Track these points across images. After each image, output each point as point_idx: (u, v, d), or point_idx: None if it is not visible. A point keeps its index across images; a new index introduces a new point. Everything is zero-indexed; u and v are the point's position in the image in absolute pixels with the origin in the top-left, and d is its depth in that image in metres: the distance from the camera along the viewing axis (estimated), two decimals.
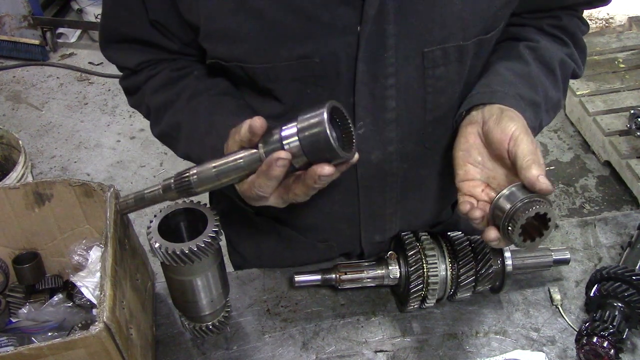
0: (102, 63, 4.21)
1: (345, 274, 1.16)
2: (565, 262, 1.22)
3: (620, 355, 1.05)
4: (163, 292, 1.24)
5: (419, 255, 1.12)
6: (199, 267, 1.01)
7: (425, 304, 1.14)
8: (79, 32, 4.48)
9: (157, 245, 0.97)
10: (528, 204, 0.84)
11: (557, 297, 1.20)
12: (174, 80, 1.07)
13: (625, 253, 1.23)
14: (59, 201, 1.18)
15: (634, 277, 1.10)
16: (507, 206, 0.86)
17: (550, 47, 1.09)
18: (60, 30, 4.40)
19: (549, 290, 1.22)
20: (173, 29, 1.02)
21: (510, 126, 0.90)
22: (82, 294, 1.16)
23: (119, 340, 0.90)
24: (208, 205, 1.04)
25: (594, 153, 3.41)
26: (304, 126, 0.80)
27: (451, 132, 1.04)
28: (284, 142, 0.81)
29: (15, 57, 4.25)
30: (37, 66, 4.23)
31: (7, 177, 2.67)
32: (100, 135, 3.70)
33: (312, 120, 0.80)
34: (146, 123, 1.14)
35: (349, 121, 0.85)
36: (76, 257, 1.23)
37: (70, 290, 1.25)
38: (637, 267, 1.17)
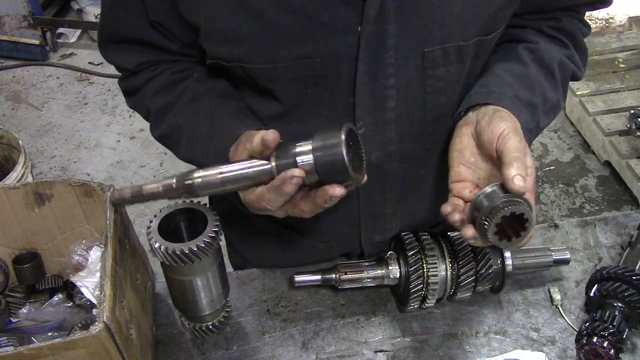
0: (102, 63, 4.20)
1: (345, 274, 1.16)
2: (565, 262, 1.22)
3: (620, 355, 1.05)
4: (163, 292, 1.24)
5: (419, 255, 1.12)
6: (199, 267, 1.01)
7: (425, 304, 1.14)
8: (79, 32, 4.48)
9: (157, 245, 0.97)
10: (505, 202, 0.84)
11: (557, 297, 1.20)
12: (175, 82, 1.07)
13: (625, 253, 1.23)
14: (59, 201, 1.18)
15: (634, 277, 1.10)
16: (485, 204, 0.87)
17: (549, 48, 1.09)
18: (60, 30, 4.40)
19: (549, 290, 1.22)
20: (173, 30, 1.02)
21: (500, 125, 0.90)
22: (82, 294, 1.16)
23: (119, 340, 0.90)
24: (208, 206, 1.04)
25: (594, 153, 3.41)
26: (320, 145, 0.81)
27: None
28: (298, 159, 0.82)
29: (15, 57, 4.24)
30: (37, 66, 4.23)
31: (7, 177, 2.67)
32: (100, 135, 3.70)
33: (329, 141, 0.81)
34: (146, 123, 1.14)
35: (361, 144, 0.86)
36: (76, 257, 1.23)
37: (70, 290, 1.25)
38: (637, 267, 1.17)
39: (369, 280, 1.16)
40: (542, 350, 1.12)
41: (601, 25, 4.34)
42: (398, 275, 1.14)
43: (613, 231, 1.34)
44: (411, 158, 1.08)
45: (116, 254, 0.99)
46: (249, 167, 0.86)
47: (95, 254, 1.20)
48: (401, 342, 1.15)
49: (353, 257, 1.29)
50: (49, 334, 1.19)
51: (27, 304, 1.24)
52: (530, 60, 1.06)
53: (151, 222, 1.00)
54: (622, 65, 3.60)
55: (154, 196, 0.93)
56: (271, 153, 0.85)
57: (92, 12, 4.30)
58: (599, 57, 3.65)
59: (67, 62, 4.28)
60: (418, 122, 1.04)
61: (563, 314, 1.18)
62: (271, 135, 0.82)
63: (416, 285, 1.11)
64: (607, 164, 3.30)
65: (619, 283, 1.11)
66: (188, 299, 1.07)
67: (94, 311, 1.19)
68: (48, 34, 4.23)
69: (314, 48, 0.92)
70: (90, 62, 4.25)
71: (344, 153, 0.80)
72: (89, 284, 1.15)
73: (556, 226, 1.36)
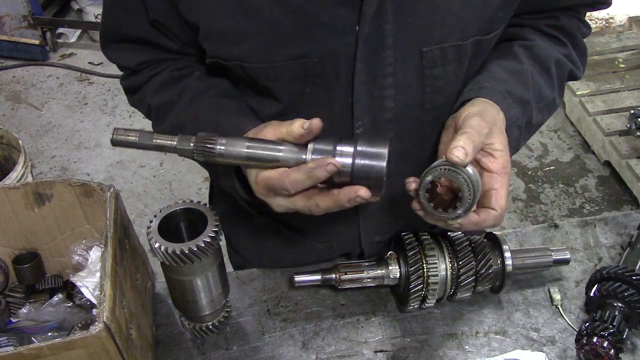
0: (102, 63, 4.21)
1: (345, 274, 1.16)
2: (565, 262, 1.22)
3: (620, 355, 1.05)
4: (163, 292, 1.24)
5: (419, 255, 1.12)
6: (199, 267, 1.01)
7: (425, 304, 1.14)
8: (79, 32, 4.48)
9: (157, 245, 0.97)
10: (434, 169, 0.86)
11: (557, 297, 1.20)
12: (175, 80, 1.07)
13: (625, 253, 1.23)
14: (59, 201, 1.18)
15: (634, 277, 1.10)
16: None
17: (546, 46, 1.09)
18: (60, 30, 4.41)
19: (549, 290, 1.22)
20: (173, 29, 1.02)
21: (468, 109, 0.93)
22: (82, 294, 1.16)
23: (119, 340, 0.90)
24: (208, 206, 1.04)
25: (594, 153, 3.41)
26: (363, 151, 0.82)
27: None
28: (337, 159, 0.82)
29: (15, 57, 4.25)
30: (37, 66, 4.23)
31: (7, 177, 2.67)
32: (100, 135, 3.70)
33: (374, 150, 0.82)
34: (146, 123, 1.14)
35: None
36: (76, 257, 1.23)
37: (70, 290, 1.25)
38: (637, 267, 1.17)
39: (369, 280, 1.16)
40: (542, 350, 1.12)
41: (601, 25, 4.34)
42: (398, 275, 1.14)
43: (613, 231, 1.34)
44: (410, 157, 1.08)
45: (116, 254, 0.99)
46: (282, 150, 0.84)
47: (95, 254, 1.20)
48: (401, 342, 1.15)
49: (353, 257, 1.29)
50: (49, 334, 1.19)
51: (27, 304, 1.24)
52: (525, 57, 1.06)
53: (151, 222, 1.00)
54: (622, 65, 3.60)
55: (163, 148, 0.87)
56: (309, 142, 0.84)
57: (92, 12, 4.30)
58: (599, 57, 3.65)
59: (67, 62, 4.28)
60: (416, 122, 1.04)
61: (563, 314, 1.18)
62: (317, 122, 0.82)
63: (416, 285, 1.11)
64: (607, 164, 3.30)
65: (619, 283, 1.11)
66: (188, 299, 1.07)
67: (94, 311, 1.19)
68: (48, 34, 4.24)
69: (312, 48, 0.93)
70: (90, 62, 4.26)
71: (385, 166, 0.81)
72: (89, 284, 1.15)
73: (556, 226, 1.36)
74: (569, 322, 1.17)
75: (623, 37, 3.82)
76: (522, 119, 1.02)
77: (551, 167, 3.39)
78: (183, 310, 1.12)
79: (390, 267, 1.14)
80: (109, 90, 4.03)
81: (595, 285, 1.14)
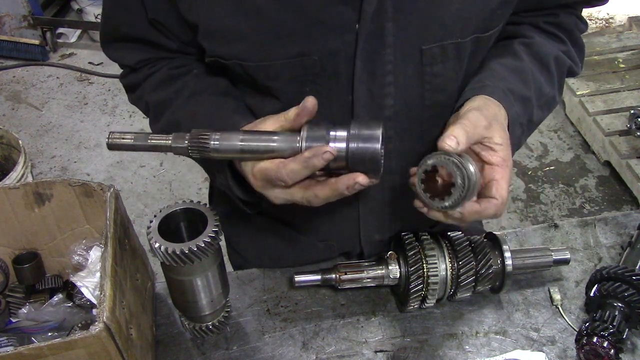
0: (102, 63, 4.21)
1: (345, 274, 1.16)
2: (565, 262, 1.22)
3: (620, 355, 1.05)
4: (163, 292, 1.24)
5: (419, 255, 1.12)
6: (199, 267, 1.01)
7: (425, 304, 1.14)
8: (79, 32, 4.48)
9: (157, 245, 0.97)
10: (426, 157, 0.87)
11: (557, 297, 1.20)
12: (173, 77, 1.08)
13: (625, 253, 1.23)
14: (59, 201, 1.18)
15: (634, 277, 1.10)
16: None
17: (545, 43, 1.09)
18: (60, 30, 4.40)
19: (549, 290, 1.22)
20: (172, 28, 1.02)
21: (468, 104, 0.93)
22: (82, 294, 1.16)
23: (119, 340, 0.90)
24: (208, 206, 1.04)
25: (594, 153, 3.41)
26: (356, 134, 0.81)
27: None
28: (331, 144, 0.82)
29: (15, 57, 4.24)
30: (37, 66, 4.23)
31: (7, 177, 2.67)
32: (100, 135, 3.70)
33: (367, 132, 0.81)
34: (146, 123, 1.15)
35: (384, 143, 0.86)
36: (76, 257, 1.23)
37: (70, 290, 1.25)
38: (637, 267, 1.17)
39: (369, 280, 1.16)
40: (542, 350, 1.12)
41: (601, 25, 4.34)
42: (398, 275, 1.14)
43: (613, 231, 1.34)
44: (410, 155, 1.08)
45: (116, 254, 0.99)
46: (275, 140, 0.84)
47: (95, 254, 1.20)
48: (401, 342, 1.15)
49: (353, 256, 1.29)
50: (49, 334, 1.19)
51: (27, 304, 1.24)
52: (525, 55, 1.07)
53: (151, 222, 1.00)
54: (622, 65, 3.60)
55: (158, 148, 0.87)
56: (301, 130, 0.83)
57: (92, 12, 4.29)
58: (599, 57, 3.65)
59: (67, 62, 4.28)
60: (416, 119, 1.04)
61: (563, 314, 1.18)
62: (311, 100, 0.82)
63: (416, 285, 1.11)
64: (607, 164, 3.30)
65: (619, 283, 1.11)
66: (188, 299, 1.07)
67: (94, 311, 1.19)
68: (48, 34, 4.23)
69: (312, 46, 0.93)
70: (90, 62, 4.25)
71: (380, 146, 0.81)
72: (89, 284, 1.15)
73: (556, 226, 1.36)
74: (569, 322, 1.17)
75: (623, 37, 3.82)
76: (524, 117, 1.02)
77: (551, 167, 3.39)
78: (183, 310, 1.12)
79: (390, 267, 1.14)
80: (109, 90, 4.03)
81: (595, 285, 1.14)
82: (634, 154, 3.10)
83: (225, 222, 1.27)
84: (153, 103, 1.10)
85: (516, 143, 1.00)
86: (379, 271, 1.15)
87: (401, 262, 1.14)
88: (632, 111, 3.07)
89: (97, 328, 0.87)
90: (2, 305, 1.21)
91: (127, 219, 1.13)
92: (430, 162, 0.86)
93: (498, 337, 1.15)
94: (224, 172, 0.97)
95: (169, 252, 0.96)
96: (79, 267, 1.23)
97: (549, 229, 1.35)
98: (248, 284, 1.26)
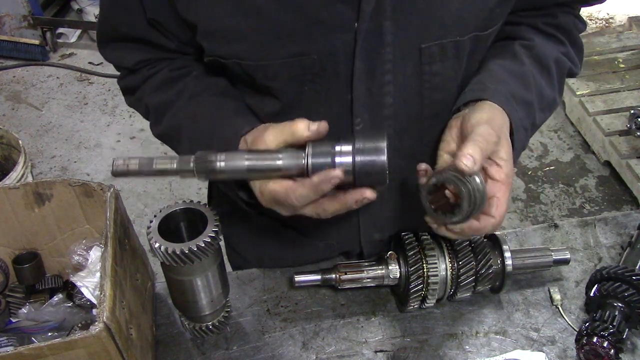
0: (102, 63, 4.21)
1: (345, 274, 1.16)
2: (565, 262, 1.22)
3: (620, 355, 1.05)
4: (163, 292, 1.24)
5: (419, 255, 1.12)
6: (199, 267, 1.01)
7: (425, 304, 1.14)
8: (79, 32, 4.48)
9: (157, 245, 0.97)
10: (441, 173, 0.87)
11: (557, 297, 1.20)
12: (173, 79, 1.07)
13: (625, 253, 1.23)
14: (59, 201, 1.18)
15: (634, 277, 1.10)
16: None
17: (545, 45, 1.09)
18: (60, 30, 4.40)
19: (549, 290, 1.22)
20: (171, 28, 1.02)
21: (476, 116, 0.92)
22: (82, 294, 1.16)
23: (119, 340, 0.90)
24: (208, 206, 1.04)
25: (594, 153, 3.41)
26: (361, 148, 0.81)
27: None
28: (337, 159, 0.82)
29: (15, 57, 4.24)
30: (37, 66, 4.23)
31: (7, 177, 2.67)
32: (100, 135, 3.70)
33: (372, 145, 0.81)
34: (146, 123, 1.14)
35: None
36: (76, 257, 1.23)
37: (70, 290, 1.25)
38: (637, 267, 1.17)
39: (369, 280, 1.16)
40: (542, 350, 1.12)
41: (601, 25, 4.34)
42: (398, 275, 1.14)
43: (613, 231, 1.34)
44: (409, 154, 1.08)
45: (116, 254, 0.99)
46: (281, 160, 0.83)
47: (95, 254, 1.20)
48: (401, 342, 1.15)
49: (353, 256, 1.29)
50: (49, 334, 1.19)
51: (27, 304, 1.24)
52: (526, 58, 1.06)
53: (151, 222, 1.00)
54: (622, 65, 3.60)
55: (164, 173, 0.87)
56: (306, 146, 0.83)
57: (92, 12, 4.29)
58: (599, 57, 3.65)
59: (67, 62, 4.28)
60: (415, 118, 1.04)
61: (563, 314, 1.18)
62: (324, 125, 0.82)
63: (416, 285, 1.11)
64: (607, 164, 3.30)
65: (619, 283, 1.11)
66: (188, 299, 1.07)
67: (94, 311, 1.19)
68: (48, 34, 4.23)
69: (311, 45, 0.93)
70: (90, 62, 4.25)
71: (386, 160, 0.80)
72: (89, 284, 1.15)
73: (556, 226, 1.36)
74: (569, 322, 1.17)
75: (623, 37, 3.82)
76: (527, 121, 1.02)
77: (551, 167, 3.39)
78: (183, 310, 1.12)
79: (390, 267, 1.14)
80: (109, 90, 4.03)
81: (595, 285, 1.14)
82: (634, 154, 3.10)
83: (225, 222, 1.27)
84: (154, 105, 1.09)
85: (520, 147, 1.01)
86: (379, 271, 1.15)
87: (401, 262, 1.14)
88: (632, 111, 3.07)
89: (97, 328, 0.87)
90: (2, 305, 1.21)
91: (127, 219, 1.13)
92: (440, 178, 0.87)
93: (498, 337, 1.15)
94: (229, 183, 0.97)
95: (169, 252, 0.96)
96: (79, 267, 1.23)
97: (549, 229, 1.35)
98: (248, 284, 1.26)
